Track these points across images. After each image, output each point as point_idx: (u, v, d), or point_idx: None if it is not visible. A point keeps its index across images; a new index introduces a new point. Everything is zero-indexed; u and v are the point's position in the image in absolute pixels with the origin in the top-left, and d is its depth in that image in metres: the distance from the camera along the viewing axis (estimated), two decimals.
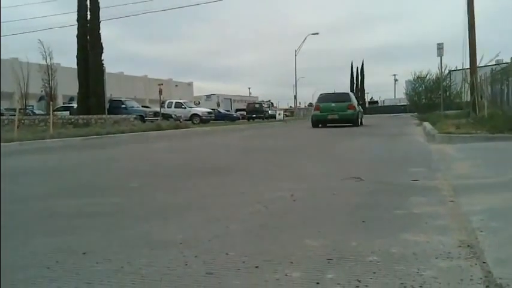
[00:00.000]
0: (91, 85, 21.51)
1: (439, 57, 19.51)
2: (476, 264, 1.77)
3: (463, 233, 2.21)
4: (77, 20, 22.11)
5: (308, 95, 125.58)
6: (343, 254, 1.95)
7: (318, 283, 1.64)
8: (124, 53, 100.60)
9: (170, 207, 3.14)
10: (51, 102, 18.58)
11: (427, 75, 31.74)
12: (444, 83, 26.12)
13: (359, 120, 18.93)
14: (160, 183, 4.39)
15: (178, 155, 8.26)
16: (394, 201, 3.05)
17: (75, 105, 24.66)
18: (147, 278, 1.76)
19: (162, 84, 26.29)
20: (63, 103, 32.99)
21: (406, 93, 37.12)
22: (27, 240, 2.38)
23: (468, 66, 16.63)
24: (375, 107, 69.21)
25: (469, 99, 17.03)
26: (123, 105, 23.83)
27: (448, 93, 28.49)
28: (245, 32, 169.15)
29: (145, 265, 1.89)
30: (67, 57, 38.60)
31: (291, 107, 60.06)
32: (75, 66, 22.55)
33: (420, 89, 32.57)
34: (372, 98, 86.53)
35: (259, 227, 2.48)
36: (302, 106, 61.37)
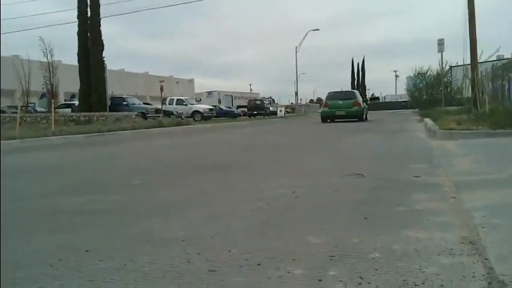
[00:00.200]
0: (92, 82, 21.57)
1: (440, 53, 19.50)
2: (478, 260, 1.77)
3: (465, 230, 2.21)
4: (78, 17, 22.15)
5: (309, 92, 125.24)
6: (345, 251, 1.95)
7: (320, 280, 1.65)
8: (125, 50, 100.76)
9: (172, 205, 3.15)
10: (52, 100, 18.61)
11: (427, 71, 31.69)
12: (445, 79, 26.05)
13: (364, 116, 20.41)
14: (162, 180, 4.39)
15: (180, 152, 8.26)
16: (396, 198, 3.05)
17: (76, 102, 24.70)
18: (149, 275, 1.76)
19: (163, 81, 26.32)
20: (65, 100, 33.07)
21: (407, 89, 37.00)
22: (30, 238, 2.39)
23: (469, 62, 16.60)
24: (376, 103, 68.70)
25: (470, 95, 17.01)
26: (125, 102, 23.80)
27: (449, 89, 28.39)
28: (246, 28, 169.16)
29: (147, 262, 1.90)
30: (68, 55, 38.66)
31: (292, 103, 60.03)
32: (76, 63, 22.58)
33: (421, 85, 32.48)
34: (373, 94, 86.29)
35: (261, 224, 2.48)
36: (303, 103, 61.35)
